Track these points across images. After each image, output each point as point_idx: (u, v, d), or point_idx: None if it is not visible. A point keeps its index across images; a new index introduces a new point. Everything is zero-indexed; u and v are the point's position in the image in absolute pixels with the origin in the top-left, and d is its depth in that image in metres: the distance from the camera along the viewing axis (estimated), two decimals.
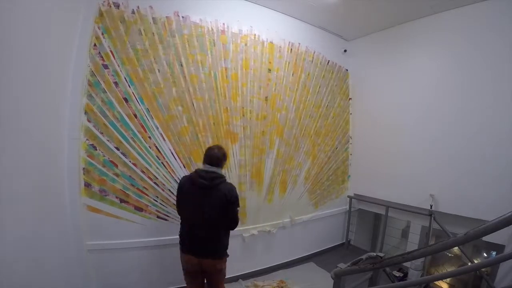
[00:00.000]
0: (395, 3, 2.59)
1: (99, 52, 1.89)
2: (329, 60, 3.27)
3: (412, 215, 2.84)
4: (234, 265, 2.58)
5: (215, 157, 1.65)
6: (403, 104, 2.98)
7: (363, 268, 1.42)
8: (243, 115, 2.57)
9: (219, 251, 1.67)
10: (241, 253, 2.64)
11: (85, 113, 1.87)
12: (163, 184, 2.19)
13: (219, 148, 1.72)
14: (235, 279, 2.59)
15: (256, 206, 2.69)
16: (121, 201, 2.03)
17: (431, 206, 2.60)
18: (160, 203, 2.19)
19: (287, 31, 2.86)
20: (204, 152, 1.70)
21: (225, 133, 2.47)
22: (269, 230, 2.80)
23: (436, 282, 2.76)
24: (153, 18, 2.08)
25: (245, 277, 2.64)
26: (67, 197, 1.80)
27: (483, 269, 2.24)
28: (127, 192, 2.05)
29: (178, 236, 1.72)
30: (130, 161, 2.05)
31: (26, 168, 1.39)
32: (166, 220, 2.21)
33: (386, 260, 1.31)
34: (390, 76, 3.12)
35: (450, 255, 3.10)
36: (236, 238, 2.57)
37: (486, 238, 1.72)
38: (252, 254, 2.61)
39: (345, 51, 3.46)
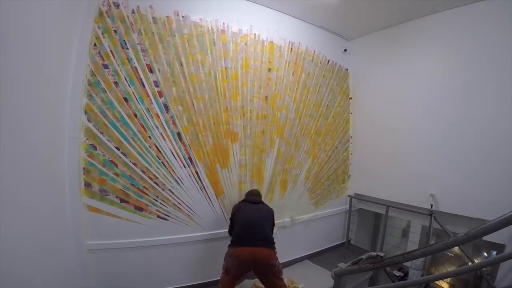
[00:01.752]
0: (395, 2, 2.58)
1: (99, 52, 1.89)
2: (329, 60, 3.27)
3: (413, 215, 2.84)
4: None
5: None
6: (403, 104, 2.97)
7: (364, 268, 1.41)
8: (243, 115, 2.57)
9: None
10: None
11: (85, 113, 1.87)
12: (163, 184, 2.19)
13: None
14: None
15: None
16: (121, 200, 2.03)
17: (431, 206, 2.60)
18: (160, 203, 2.19)
19: (287, 31, 2.85)
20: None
21: (225, 132, 2.47)
22: None
23: (437, 282, 2.76)
24: (153, 18, 2.07)
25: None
26: (67, 197, 1.80)
27: (483, 269, 2.24)
28: (127, 191, 2.05)
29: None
30: (130, 161, 2.05)
31: (26, 168, 1.39)
32: (166, 220, 2.21)
33: (387, 260, 1.31)
34: (391, 75, 3.11)
35: (450, 254, 3.10)
36: None
37: (486, 238, 1.72)
38: None
39: (345, 50, 3.46)
